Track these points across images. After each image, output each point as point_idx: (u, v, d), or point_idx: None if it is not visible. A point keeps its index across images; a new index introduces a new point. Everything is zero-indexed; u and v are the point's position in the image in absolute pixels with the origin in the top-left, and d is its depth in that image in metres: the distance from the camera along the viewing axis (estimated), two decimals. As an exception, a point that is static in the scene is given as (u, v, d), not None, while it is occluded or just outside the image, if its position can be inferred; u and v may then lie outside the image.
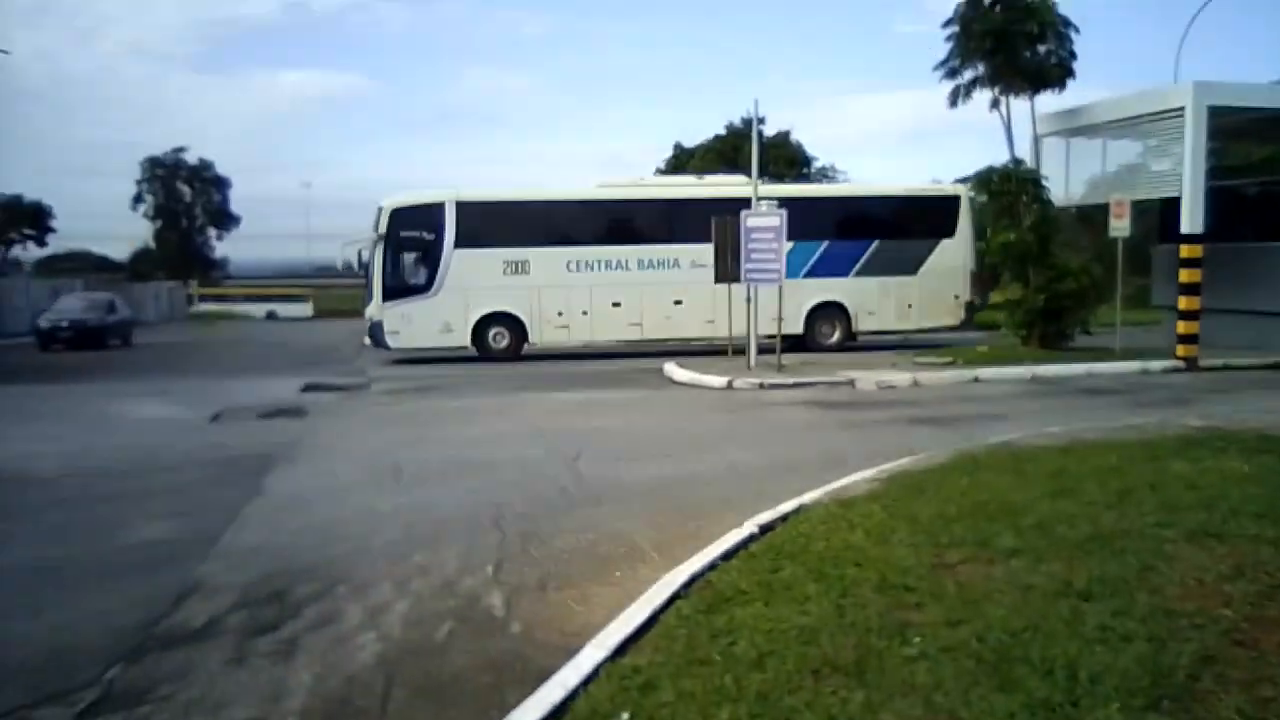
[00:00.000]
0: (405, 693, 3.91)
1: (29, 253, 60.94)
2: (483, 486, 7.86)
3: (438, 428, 11.53)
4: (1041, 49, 29.09)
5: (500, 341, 21.43)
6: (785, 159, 48.98)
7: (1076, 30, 29.09)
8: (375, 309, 20.94)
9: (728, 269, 17.42)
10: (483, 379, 17.35)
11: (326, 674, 4.08)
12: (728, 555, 5.21)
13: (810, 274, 22.38)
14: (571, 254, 21.63)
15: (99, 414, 13.39)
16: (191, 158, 64.66)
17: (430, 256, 21.01)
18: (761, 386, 14.69)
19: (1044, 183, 18.87)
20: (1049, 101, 28.31)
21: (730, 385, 14.87)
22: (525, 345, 21.59)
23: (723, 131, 54.67)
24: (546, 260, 21.47)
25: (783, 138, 49.97)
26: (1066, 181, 19.78)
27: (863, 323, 22.96)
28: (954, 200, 23.56)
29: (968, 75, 31.18)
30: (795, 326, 22.09)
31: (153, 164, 64.00)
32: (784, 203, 23.28)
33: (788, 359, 16.28)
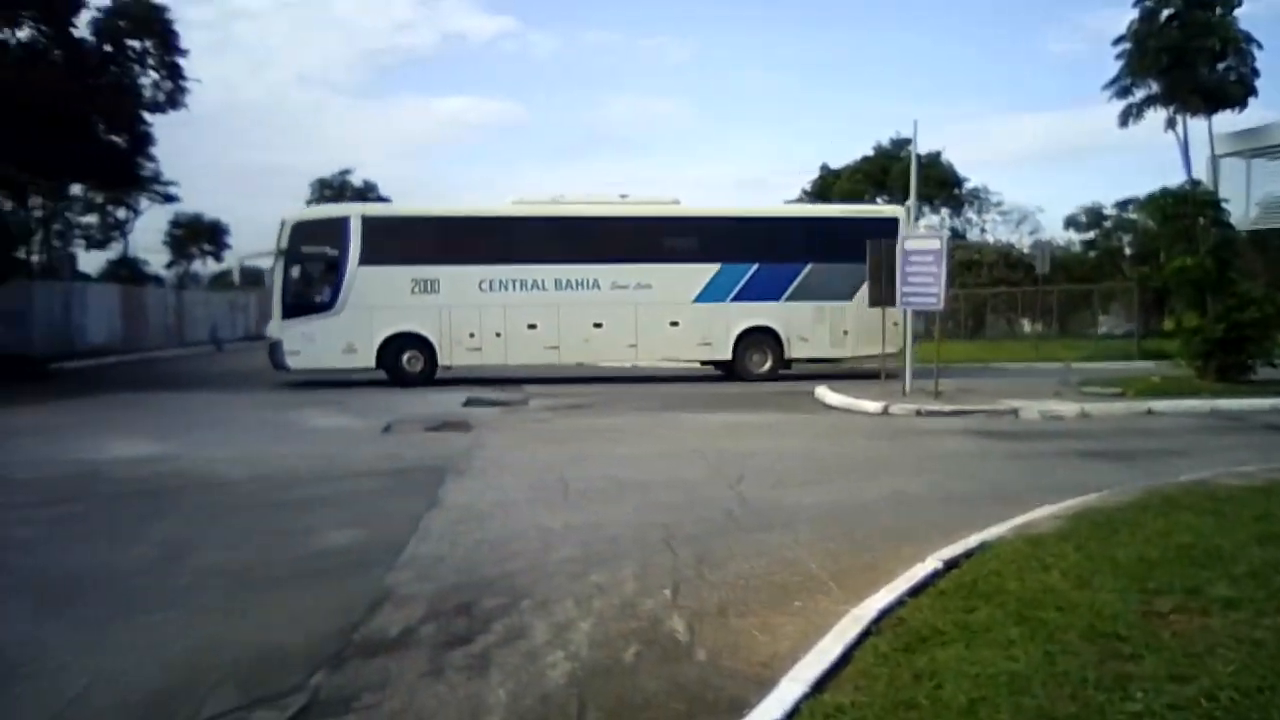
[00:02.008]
0: (599, 714, 3.88)
1: (207, 268, 64.88)
2: (648, 506, 7.84)
3: (597, 445, 11.60)
4: (1221, 66, 27.54)
5: (415, 364, 20.19)
6: (936, 179, 47.95)
7: (1260, 46, 27.46)
8: (275, 327, 19.90)
9: (882, 293, 17.00)
10: (629, 397, 17.45)
11: (521, 692, 4.09)
12: (915, 591, 5.01)
13: (738, 298, 21.30)
14: (484, 273, 20.47)
15: (281, 422, 14.05)
16: (356, 179, 67.65)
17: (333, 273, 19.91)
18: (919, 414, 14.26)
19: (1223, 205, 17.79)
20: (1227, 121, 26.76)
21: (886, 411, 14.50)
22: (436, 369, 20.42)
23: (870, 153, 53.78)
24: (457, 279, 20.35)
25: (933, 158, 48.92)
26: (1247, 204, 18.64)
27: (795, 349, 21.69)
28: (893, 222, 21.71)
29: (1139, 94, 29.83)
30: (724, 352, 21.43)
31: (321, 185, 67.12)
32: (712, 223, 22.46)
33: (944, 385, 15.75)
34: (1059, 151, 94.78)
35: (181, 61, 31.30)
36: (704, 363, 22.68)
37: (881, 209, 24.81)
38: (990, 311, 42.75)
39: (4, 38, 26.28)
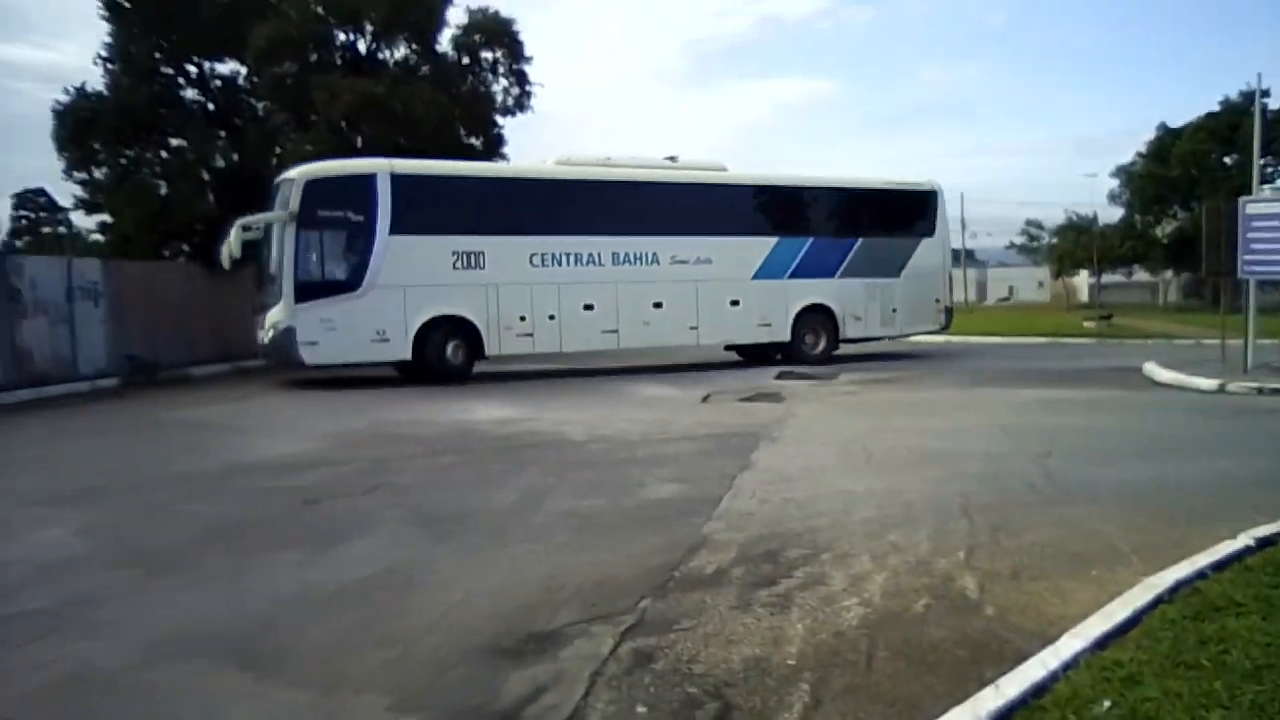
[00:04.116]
0: (887, 654, 4.16)
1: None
2: (949, 476, 7.87)
3: (902, 418, 11.63)
4: None
5: (458, 355, 16.64)
6: (1294, 137, 42.01)
7: None
8: (284, 312, 15.54)
9: (1220, 261, 15.40)
10: (942, 372, 17.10)
11: (817, 628, 4.46)
12: (1219, 566, 4.82)
13: (795, 274, 19.09)
14: (535, 245, 17.12)
15: (614, 391, 15.26)
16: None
17: (358, 244, 15.96)
18: (1260, 392, 12.91)
19: None
20: None
21: (1222, 389, 13.26)
22: (476, 360, 16.98)
23: (1216, 108, 48.07)
24: (505, 252, 16.87)
25: (1290, 112, 42.82)
26: None
27: (849, 329, 19.79)
28: (931, 196, 20.19)
29: None
30: (783, 334, 19.08)
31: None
32: (769, 193, 20.01)
33: None
34: None
35: (527, 68, 34.06)
36: (731, 347, 20.01)
37: (919, 182, 21.19)
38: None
39: (384, 57, 29.98)
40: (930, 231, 20.73)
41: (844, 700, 3.69)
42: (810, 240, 19.45)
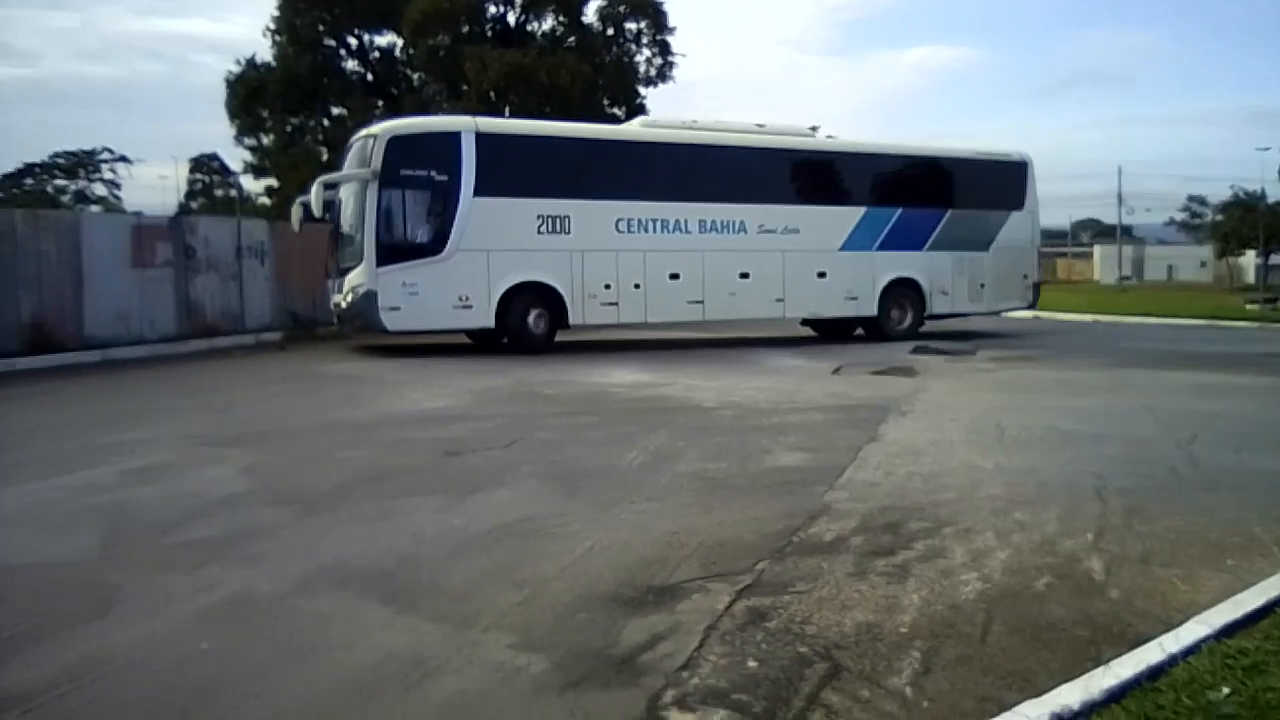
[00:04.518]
0: (1003, 629, 4.14)
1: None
2: (1084, 457, 7.63)
3: (1040, 397, 11.27)
4: None
5: (540, 324, 15.96)
6: None
7: None
8: (365, 275, 14.87)
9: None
10: (1088, 352, 16.41)
11: (933, 599, 4.46)
12: (1369, 562, 4.57)
13: (883, 246, 18.11)
14: (621, 210, 16.35)
15: (749, 361, 15.31)
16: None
17: (442, 206, 15.24)
18: None
19: None
20: None
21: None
22: (557, 330, 16.26)
23: None
24: (591, 216, 16.13)
25: None
26: None
27: (936, 304, 18.57)
28: (1022, 167, 19.18)
29: None
30: (869, 308, 18.07)
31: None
32: (859, 160, 18.73)
33: None
34: None
35: (670, 39, 34.07)
36: (808, 322, 19.26)
37: (1010, 153, 20.13)
38: None
39: (532, 28, 30.57)
40: (1020, 204, 19.77)
41: (955, 670, 3.71)
42: (899, 211, 18.56)
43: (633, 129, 18.01)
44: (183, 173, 59.13)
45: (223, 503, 6.35)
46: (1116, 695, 3.24)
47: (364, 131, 16.09)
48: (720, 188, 17.20)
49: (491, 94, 25.23)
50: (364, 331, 15.93)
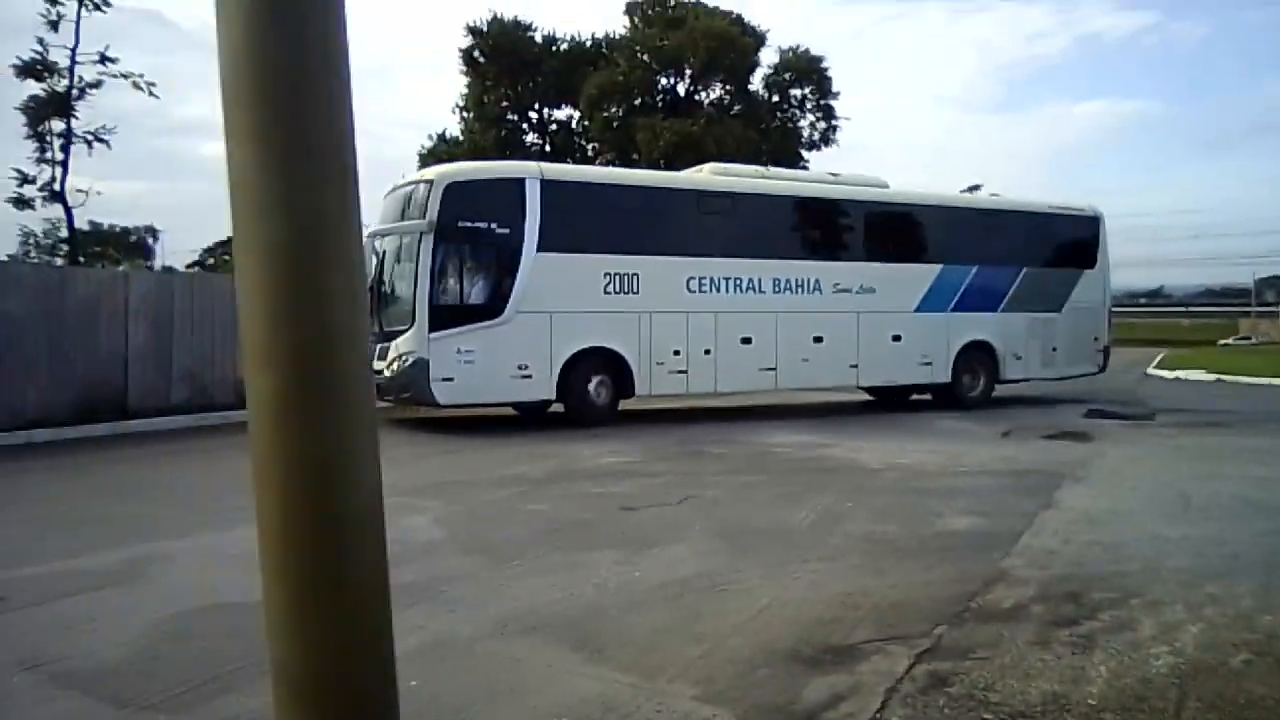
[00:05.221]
0: (1199, 705, 3.96)
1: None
2: (1278, 529, 7.18)
3: (1230, 464, 10.58)
4: None
5: (602, 394, 14.09)
6: None
7: None
8: (415, 341, 12.81)
9: None
10: (1277, 416, 15.28)
11: (1122, 672, 4.32)
12: None
13: (958, 307, 16.47)
14: (693, 267, 14.54)
15: (909, 423, 15.05)
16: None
17: (503, 261, 13.30)
18: None
19: None
20: None
21: None
22: (623, 398, 14.36)
23: None
24: (660, 274, 14.28)
25: None
26: None
27: (1009, 369, 17.31)
28: (1094, 222, 17.69)
29: None
30: (944, 374, 16.32)
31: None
32: (934, 213, 17.10)
33: None
34: None
35: (834, 103, 34.18)
36: (867, 388, 17.10)
37: (1083, 208, 18.40)
38: None
39: (700, 98, 31.34)
40: (1092, 262, 18.13)
41: (1148, 745, 3.60)
42: (975, 269, 16.94)
43: (698, 176, 16.08)
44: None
45: (424, 549, 6.72)
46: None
47: (412, 176, 14.35)
48: (796, 243, 15.95)
49: (661, 162, 26.09)
50: (408, 404, 13.90)
